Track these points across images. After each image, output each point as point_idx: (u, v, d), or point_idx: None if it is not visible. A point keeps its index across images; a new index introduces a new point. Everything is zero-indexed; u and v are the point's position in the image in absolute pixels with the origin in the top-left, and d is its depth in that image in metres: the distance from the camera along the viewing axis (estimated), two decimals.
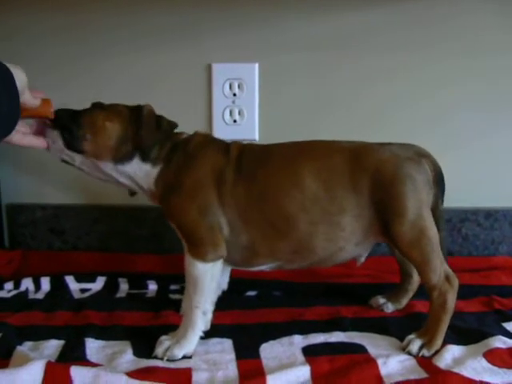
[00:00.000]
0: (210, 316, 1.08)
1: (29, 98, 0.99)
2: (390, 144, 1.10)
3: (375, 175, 1.04)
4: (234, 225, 1.05)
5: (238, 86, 1.44)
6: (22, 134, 1.06)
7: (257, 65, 1.44)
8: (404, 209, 1.04)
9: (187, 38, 1.44)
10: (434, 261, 1.05)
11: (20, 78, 0.95)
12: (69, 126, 1.07)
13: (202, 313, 1.05)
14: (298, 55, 1.44)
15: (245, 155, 1.09)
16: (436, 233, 1.06)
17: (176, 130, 1.13)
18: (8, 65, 0.93)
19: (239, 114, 1.46)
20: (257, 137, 1.46)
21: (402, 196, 1.04)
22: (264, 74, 1.45)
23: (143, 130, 1.06)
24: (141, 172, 1.09)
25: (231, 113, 1.46)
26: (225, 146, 1.11)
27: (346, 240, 1.07)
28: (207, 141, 1.12)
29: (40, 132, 1.09)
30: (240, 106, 1.45)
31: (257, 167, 1.07)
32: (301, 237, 1.05)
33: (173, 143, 1.10)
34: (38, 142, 1.08)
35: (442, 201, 1.12)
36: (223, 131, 1.45)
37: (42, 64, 1.46)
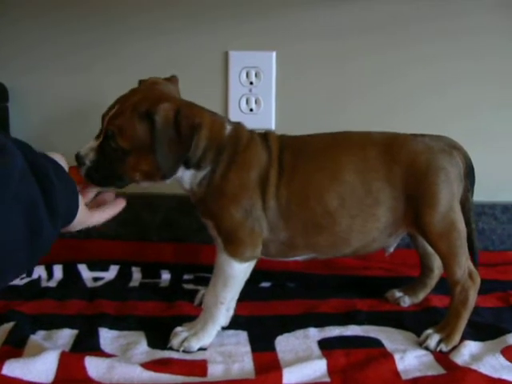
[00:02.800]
0: (231, 312, 1.08)
1: None
2: (422, 135, 1.10)
3: (409, 167, 1.05)
4: (274, 224, 1.05)
5: (255, 75, 1.43)
6: (100, 213, 1.02)
7: (274, 53, 1.43)
8: (436, 200, 1.04)
9: (204, 25, 1.43)
10: (460, 255, 1.05)
11: (64, 164, 0.92)
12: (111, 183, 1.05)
13: (225, 309, 1.05)
14: (316, 44, 1.42)
15: (285, 152, 1.07)
16: (464, 227, 1.07)
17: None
18: (50, 154, 0.90)
19: (256, 102, 1.44)
20: (273, 126, 1.45)
21: (434, 187, 1.04)
22: (281, 62, 1.44)
23: (158, 150, 0.98)
24: (186, 176, 1.06)
25: (248, 101, 1.44)
26: (265, 143, 1.08)
27: (380, 231, 1.07)
28: (250, 139, 1.07)
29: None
30: (257, 94, 1.44)
31: (297, 164, 1.06)
32: (339, 230, 1.06)
33: (217, 144, 1.04)
34: (119, 206, 1.06)
35: (472, 194, 1.12)
36: (239, 120, 1.42)
37: (60, 50, 1.45)
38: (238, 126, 1.09)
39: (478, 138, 1.44)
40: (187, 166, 1.04)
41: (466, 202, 1.09)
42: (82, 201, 0.94)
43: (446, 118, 1.44)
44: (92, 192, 1.05)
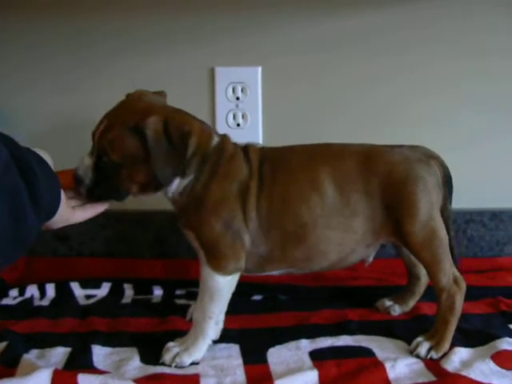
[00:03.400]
0: (221, 325, 1.09)
1: None
2: (399, 146, 1.11)
3: (387, 177, 1.06)
4: (255, 237, 1.06)
5: (242, 90, 1.44)
6: (82, 209, 1.05)
7: (260, 68, 1.44)
8: (416, 210, 1.05)
9: (190, 41, 1.44)
10: (444, 262, 1.07)
11: (49, 162, 0.94)
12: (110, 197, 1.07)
13: (214, 323, 1.06)
14: (300, 58, 1.44)
15: (265, 164, 1.08)
16: (446, 234, 1.08)
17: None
18: (36, 150, 0.91)
19: (243, 117, 1.45)
20: (260, 140, 1.46)
21: (413, 197, 1.05)
22: (267, 77, 1.45)
23: (154, 163, 0.99)
24: (172, 184, 1.06)
25: (235, 116, 1.45)
26: (246, 155, 1.09)
27: (357, 242, 1.08)
28: (234, 152, 1.08)
29: None
30: (243, 109, 1.45)
31: (276, 176, 1.07)
32: (318, 242, 1.06)
33: (203, 153, 1.05)
34: (101, 207, 1.07)
35: (450, 202, 1.13)
36: None
37: (45, 70, 1.46)
38: (224, 139, 1.10)
39: (465, 145, 1.46)
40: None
41: (444, 211, 1.10)
42: (64, 197, 0.96)
43: (431, 124, 1.46)
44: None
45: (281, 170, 1.07)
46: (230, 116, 1.45)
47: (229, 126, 1.45)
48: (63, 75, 1.46)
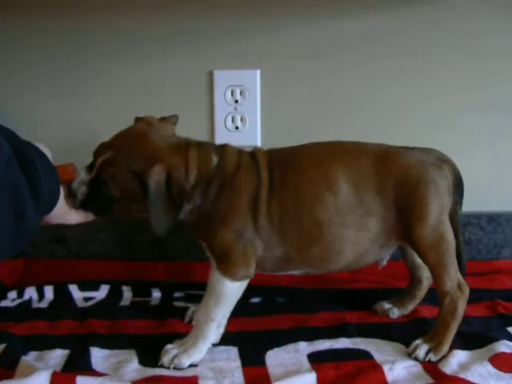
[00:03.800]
0: (222, 330, 1.09)
1: None
2: (412, 148, 1.12)
3: (401, 179, 1.06)
4: (269, 242, 1.06)
5: (240, 93, 1.44)
6: (76, 214, 1.06)
7: (258, 71, 1.44)
8: (426, 213, 1.05)
9: (188, 45, 1.44)
10: (450, 266, 1.07)
11: (49, 156, 0.95)
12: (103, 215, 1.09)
13: (216, 326, 1.06)
14: (299, 61, 1.44)
15: (274, 168, 1.08)
16: (453, 239, 1.08)
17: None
18: (36, 144, 0.92)
19: (241, 120, 1.45)
20: (259, 143, 1.46)
21: (425, 200, 1.06)
22: (266, 80, 1.45)
23: (151, 214, 1.01)
24: None
25: (233, 119, 1.45)
26: (253, 162, 1.09)
27: (371, 242, 1.08)
28: (238, 164, 1.08)
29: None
30: (242, 112, 1.45)
31: (287, 179, 1.07)
32: (332, 241, 1.06)
33: (205, 180, 1.06)
34: (89, 216, 1.09)
35: (460, 207, 1.14)
36: (225, 138, 1.43)
37: (44, 72, 1.46)
38: (224, 153, 1.09)
39: (462, 148, 1.45)
40: None
41: (454, 215, 1.11)
42: (62, 192, 0.98)
43: (430, 128, 1.46)
44: None
45: (292, 170, 1.07)
46: (229, 119, 1.45)
47: (227, 129, 1.46)
48: (63, 77, 1.46)
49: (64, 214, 1.02)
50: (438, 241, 1.06)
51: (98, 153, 1.05)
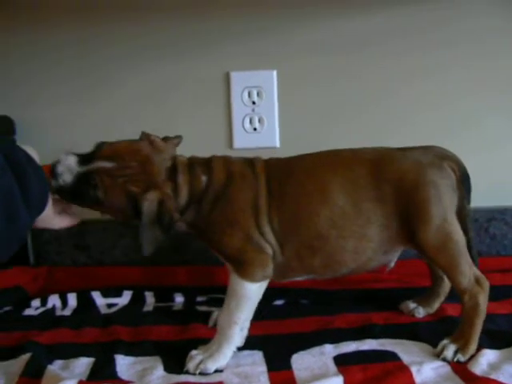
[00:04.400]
0: (245, 332, 1.08)
1: None
2: (411, 149, 1.10)
3: (398, 185, 1.04)
4: (273, 247, 1.06)
5: (257, 94, 1.44)
6: (60, 219, 1.07)
7: (275, 72, 1.44)
8: (429, 216, 1.04)
9: (205, 46, 1.44)
10: (462, 264, 1.05)
11: (36, 159, 0.96)
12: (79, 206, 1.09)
13: (239, 329, 1.05)
14: (315, 60, 1.43)
15: (272, 177, 1.08)
16: (462, 236, 1.06)
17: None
18: (23, 147, 0.93)
19: (259, 121, 1.45)
20: (278, 144, 1.46)
21: (425, 203, 1.04)
22: (282, 80, 1.45)
23: (141, 235, 1.03)
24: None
25: (251, 121, 1.45)
26: (250, 169, 1.09)
27: (374, 250, 1.07)
28: (228, 175, 1.08)
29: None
30: (260, 113, 1.45)
31: (285, 190, 1.06)
32: (332, 252, 1.06)
33: (195, 200, 1.07)
34: (74, 221, 1.11)
35: (469, 200, 1.11)
36: (244, 139, 1.45)
37: (57, 77, 1.47)
38: (211, 170, 1.08)
39: (486, 144, 1.45)
40: None
41: (462, 210, 1.08)
42: (50, 196, 0.99)
43: (451, 126, 1.44)
44: None
45: (289, 183, 1.07)
46: (247, 120, 1.45)
47: (245, 131, 1.45)
48: (73, 83, 1.47)
49: (51, 218, 1.03)
50: (445, 242, 1.04)
51: (98, 152, 1.04)
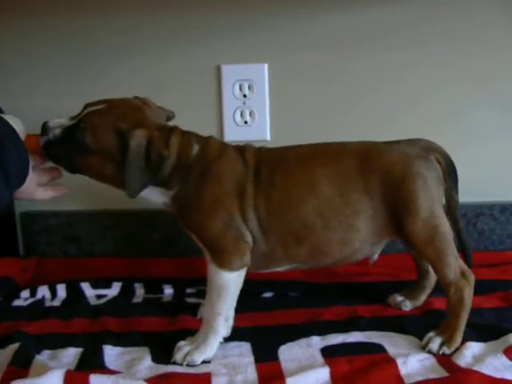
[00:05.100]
0: (231, 322, 1.09)
1: None
2: (398, 142, 1.11)
3: (385, 177, 1.05)
4: (254, 235, 1.05)
5: (248, 87, 1.44)
6: (43, 190, 1.06)
7: (266, 65, 1.44)
8: (416, 208, 1.04)
9: (196, 39, 1.44)
10: (448, 257, 1.05)
11: (20, 129, 0.96)
12: (65, 166, 1.07)
13: (224, 319, 1.05)
14: (307, 54, 1.43)
15: (262, 164, 1.08)
16: (449, 228, 1.07)
17: (184, 127, 1.09)
18: (6, 117, 0.93)
19: (250, 115, 1.45)
20: (268, 137, 1.46)
21: (413, 195, 1.04)
22: (274, 74, 1.44)
23: (127, 172, 1.00)
24: (155, 193, 1.08)
25: (242, 114, 1.45)
26: (241, 154, 1.09)
27: (361, 242, 1.07)
28: (220, 154, 1.08)
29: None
30: (251, 106, 1.45)
31: (274, 176, 1.06)
32: (319, 242, 1.06)
33: (184, 167, 1.05)
34: (59, 192, 1.10)
35: (457, 191, 1.12)
36: (234, 133, 1.45)
37: (50, 71, 1.47)
38: (206, 143, 1.08)
39: (476, 140, 1.45)
40: (154, 184, 1.05)
41: (450, 201, 1.09)
42: (31, 168, 0.98)
43: (441, 120, 1.45)
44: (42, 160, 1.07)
45: (278, 171, 1.07)
46: (238, 113, 1.45)
47: (236, 124, 1.45)
48: (65, 78, 1.47)
49: (32, 190, 1.03)
50: (432, 234, 1.05)
51: (89, 105, 1.05)
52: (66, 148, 1.03)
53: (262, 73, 1.44)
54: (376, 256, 1.15)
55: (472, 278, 1.06)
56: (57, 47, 1.46)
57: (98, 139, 1.01)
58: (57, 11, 1.43)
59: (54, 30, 1.45)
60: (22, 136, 0.97)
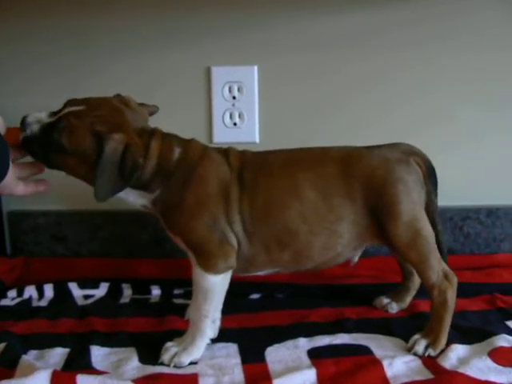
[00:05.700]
0: (218, 323, 1.09)
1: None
2: (379, 147, 1.11)
3: (367, 182, 1.06)
4: (239, 238, 1.05)
5: (238, 89, 1.44)
6: (24, 185, 1.05)
7: (256, 67, 1.44)
8: (398, 212, 1.05)
9: (186, 41, 1.44)
10: (431, 260, 1.07)
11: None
12: (42, 161, 1.06)
13: (211, 321, 1.06)
14: (296, 57, 1.43)
15: (245, 167, 1.08)
16: (431, 232, 1.08)
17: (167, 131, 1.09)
18: None
19: (239, 116, 1.45)
20: (257, 139, 1.46)
21: (394, 199, 1.05)
22: (263, 76, 1.45)
23: (97, 177, 0.97)
24: (133, 196, 1.07)
25: (231, 116, 1.45)
26: (224, 157, 1.08)
27: (343, 246, 1.08)
28: (202, 157, 1.07)
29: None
30: (240, 108, 1.45)
31: (257, 182, 1.06)
32: (301, 247, 1.06)
33: (164, 171, 1.04)
34: (41, 187, 1.09)
35: (436, 194, 1.13)
36: (223, 134, 1.45)
37: (42, 71, 1.46)
38: (188, 146, 1.07)
39: (461, 143, 1.46)
40: (133, 187, 1.04)
41: (430, 205, 1.10)
42: (11, 162, 0.97)
43: (429, 124, 1.45)
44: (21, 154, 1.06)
45: (262, 175, 1.07)
46: (227, 115, 1.45)
47: (225, 126, 1.46)
48: (56, 77, 1.46)
49: (13, 185, 1.02)
50: (415, 237, 1.06)
51: (68, 104, 1.03)
52: (43, 145, 1.02)
53: (251, 75, 1.44)
54: (356, 258, 1.16)
55: (455, 280, 1.07)
56: (51, 47, 1.45)
57: (75, 141, 0.99)
58: (50, 11, 1.42)
59: (48, 29, 1.44)
60: (2, 129, 0.96)
